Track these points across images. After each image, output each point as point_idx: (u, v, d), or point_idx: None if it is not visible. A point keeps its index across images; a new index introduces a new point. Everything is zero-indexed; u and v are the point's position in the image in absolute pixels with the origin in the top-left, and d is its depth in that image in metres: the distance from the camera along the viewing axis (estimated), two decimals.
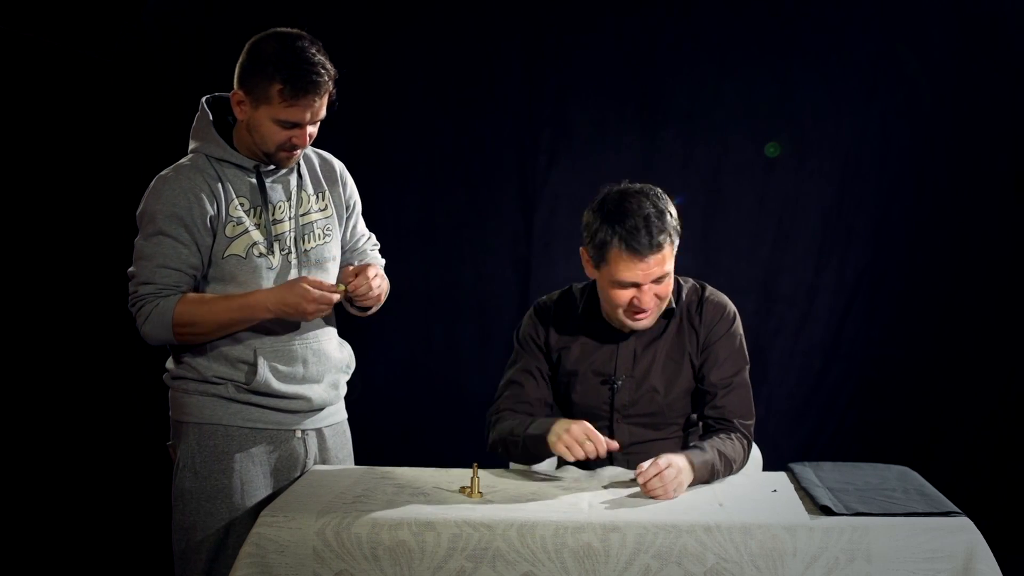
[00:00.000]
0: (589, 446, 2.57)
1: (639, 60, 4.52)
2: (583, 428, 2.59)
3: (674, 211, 2.72)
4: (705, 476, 2.64)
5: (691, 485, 2.61)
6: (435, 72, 4.53)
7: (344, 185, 2.90)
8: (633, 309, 2.70)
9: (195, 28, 4.41)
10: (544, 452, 2.69)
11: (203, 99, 2.76)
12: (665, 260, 2.67)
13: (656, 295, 2.70)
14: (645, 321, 2.74)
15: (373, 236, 3.06)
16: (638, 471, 2.54)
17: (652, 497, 2.51)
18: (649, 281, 2.67)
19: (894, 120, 4.51)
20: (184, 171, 2.68)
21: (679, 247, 2.75)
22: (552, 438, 2.62)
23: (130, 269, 2.70)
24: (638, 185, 2.74)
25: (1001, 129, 4.47)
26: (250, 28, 2.68)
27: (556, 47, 4.53)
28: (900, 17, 4.46)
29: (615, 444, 2.63)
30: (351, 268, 2.84)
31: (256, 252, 2.69)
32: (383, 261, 3.05)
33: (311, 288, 2.64)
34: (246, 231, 2.69)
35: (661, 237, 2.64)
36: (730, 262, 4.50)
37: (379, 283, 2.80)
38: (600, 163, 4.49)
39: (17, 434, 4.16)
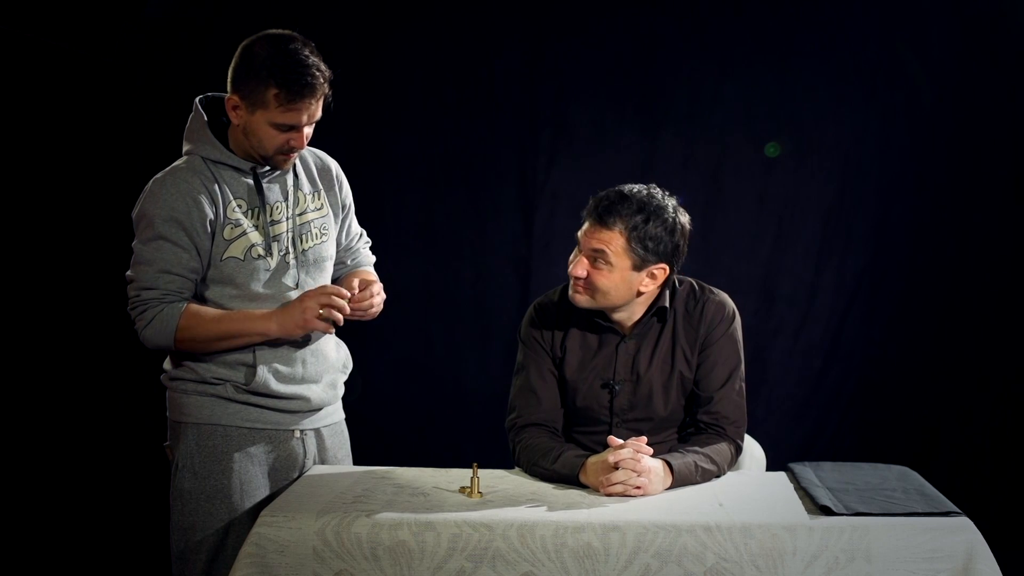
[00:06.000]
0: (633, 479, 2.55)
1: (639, 60, 4.52)
2: (624, 473, 2.54)
3: (674, 233, 2.71)
4: (688, 478, 2.63)
5: (673, 486, 2.60)
6: (435, 72, 4.53)
7: (340, 185, 2.89)
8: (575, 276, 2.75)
9: (195, 28, 4.41)
10: (573, 483, 2.66)
11: (196, 99, 2.74)
12: (607, 242, 2.68)
13: (590, 273, 2.71)
14: (578, 297, 2.75)
15: (364, 232, 3.06)
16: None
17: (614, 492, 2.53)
18: (588, 249, 2.70)
19: (894, 120, 4.52)
20: (181, 174, 2.66)
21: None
22: (596, 485, 2.58)
23: (128, 273, 2.68)
24: (666, 194, 2.76)
25: (1001, 129, 4.47)
26: (250, 28, 2.68)
27: (556, 47, 4.53)
28: (900, 17, 4.46)
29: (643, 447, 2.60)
30: (356, 280, 2.83)
31: (255, 254, 2.69)
32: (374, 258, 3.06)
33: (315, 301, 2.64)
34: (244, 233, 2.68)
35: (611, 219, 2.67)
36: (730, 262, 4.50)
37: (380, 301, 2.81)
38: (600, 163, 4.49)
39: (16, 434, 4.15)
